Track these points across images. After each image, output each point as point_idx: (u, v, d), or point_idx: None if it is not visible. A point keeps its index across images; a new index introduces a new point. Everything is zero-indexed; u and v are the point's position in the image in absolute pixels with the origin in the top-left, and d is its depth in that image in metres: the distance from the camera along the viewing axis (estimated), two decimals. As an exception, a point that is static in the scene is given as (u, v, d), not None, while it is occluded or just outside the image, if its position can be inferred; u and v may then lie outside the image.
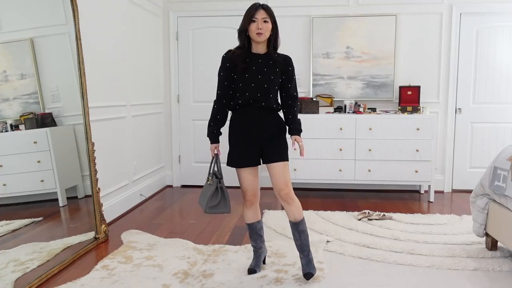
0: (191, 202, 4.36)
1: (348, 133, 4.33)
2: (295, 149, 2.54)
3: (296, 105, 2.50)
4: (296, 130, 2.46)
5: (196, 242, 3.17)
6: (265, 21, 2.31)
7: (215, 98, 2.49)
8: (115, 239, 3.23)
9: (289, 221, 2.45)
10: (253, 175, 2.46)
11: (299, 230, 2.43)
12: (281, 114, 2.51)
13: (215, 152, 2.48)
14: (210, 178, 2.45)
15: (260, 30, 2.30)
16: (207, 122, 4.94)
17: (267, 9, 2.34)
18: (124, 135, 3.99)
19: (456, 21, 4.59)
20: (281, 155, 2.40)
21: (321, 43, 4.70)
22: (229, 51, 2.45)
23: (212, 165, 2.46)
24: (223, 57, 2.47)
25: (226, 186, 2.49)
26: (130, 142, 4.11)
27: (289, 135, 2.49)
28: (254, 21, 2.31)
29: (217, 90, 2.48)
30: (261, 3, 2.40)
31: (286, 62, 2.44)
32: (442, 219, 3.68)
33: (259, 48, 2.40)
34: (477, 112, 4.70)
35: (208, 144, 4.94)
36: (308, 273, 2.42)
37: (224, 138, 2.49)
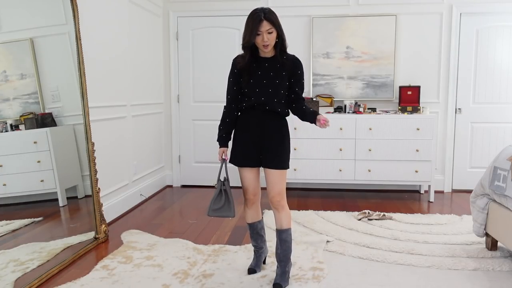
0: (191, 202, 4.36)
1: (348, 133, 4.33)
2: (321, 125, 2.34)
3: (305, 104, 2.46)
4: (314, 112, 2.38)
5: (196, 242, 3.17)
6: (269, 32, 2.26)
7: (225, 102, 2.52)
8: (115, 239, 3.23)
9: (276, 228, 2.45)
10: (254, 175, 2.46)
11: (281, 239, 2.41)
12: (287, 119, 2.49)
13: (223, 156, 2.50)
14: (216, 181, 2.48)
15: (266, 42, 2.27)
16: (207, 122, 4.96)
17: (269, 19, 2.25)
18: (124, 135, 3.99)
19: (456, 21, 4.59)
20: (279, 162, 2.37)
21: (321, 43, 4.70)
22: (238, 56, 2.43)
23: (220, 169, 2.49)
24: (232, 62, 2.46)
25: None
26: (130, 142, 4.11)
27: (313, 123, 2.39)
28: (259, 34, 2.26)
29: (227, 95, 2.49)
30: (263, 11, 2.27)
31: (295, 65, 2.39)
32: (442, 219, 3.68)
33: (266, 52, 2.37)
34: (477, 112, 4.70)
35: (207, 144, 4.97)
36: (277, 284, 2.37)
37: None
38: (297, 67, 2.40)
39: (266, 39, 2.26)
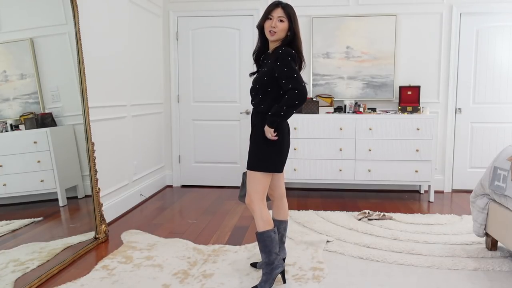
0: (191, 202, 4.36)
1: (348, 133, 4.33)
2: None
3: (286, 99, 2.17)
4: (268, 117, 2.23)
5: (196, 242, 3.17)
6: (280, 20, 2.24)
7: None
8: (115, 239, 3.23)
9: None
10: None
11: (258, 240, 2.34)
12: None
13: None
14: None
15: (273, 28, 2.24)
16: (207, 122, 4.99)
17: (285, 8, 2.25)
18: (124, 135, 3.99)
19: (456, 21, 4.59)
20: (249, 162, 2.33)
21: (321, 43, 4.70)
22: None
23: None
24: None
25: None
26: (130, 142, 4.11)
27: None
28: (270, 18, 2.26)
29: None
30: (281, 2, 2.30)
31: (274, 58, 2.23)
32: (442, 219, 3.68)
33: (272, 46, 2.35)
34: (477, 112, 4.70)
35: (207, 144, 4.96)
36: (254, 287, 2.34)
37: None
38: (275, 60, 2.22)
39: (274, 25, 2.23)
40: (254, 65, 2.49)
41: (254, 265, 2.68)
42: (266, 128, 2.24)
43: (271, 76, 2.26)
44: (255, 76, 2.42)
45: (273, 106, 2.27)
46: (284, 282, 2.43)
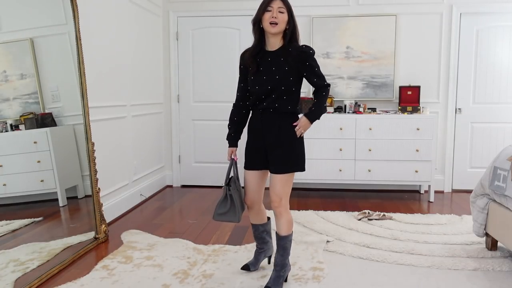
0: (191, 202, 4.36)
1: (348, 133, 4.33)
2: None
3: (324, 94, 2.29)
4: (309, 113, 2.28)
5: (196, 242, 3.17)
6: (280, 12, 2.17)
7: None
8: (115, 239, 3.23)
9: (275, 231, 2.40)
10: (257, 180, 2.38)
11: (279, 245, 2.35)
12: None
13: (232, 156, 2.42)
14: (224, 184, 2.39)
15: (274, 19, 2.15)
16: (207, 122, 4.97)
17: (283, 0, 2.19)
18: (124, 135, 3.99)
19: (456, 21, 4.59)
20: (281, 166, 2.25)
21: (321, 43, 4.70)
22: (245, 50, 2.35)
23: (228, 170, 2.42)
24: (240, 57, 2.39)
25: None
26: (130, 142, 4.11)
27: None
28: (269, 10, 2.17)
29: (236, 92, 2.43)
30: None
31: (300, 58, 2.20)
32: (442, 219, 3.68)
33: (273, 43, 2.24)
34: (477, 112, 4.70)
35: (207, 144, 4.96)
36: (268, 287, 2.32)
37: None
38: (304, 60, 2.22)
39: (275, 15, 2.15)
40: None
41: (245, 267, 2.62)
42: (306, 125, 2.26)
43: (297, 76, 2.25)
44: (262, 76, 2.23)
45: (295, 105, 2.28)
46: (285, 281, 2.45)
